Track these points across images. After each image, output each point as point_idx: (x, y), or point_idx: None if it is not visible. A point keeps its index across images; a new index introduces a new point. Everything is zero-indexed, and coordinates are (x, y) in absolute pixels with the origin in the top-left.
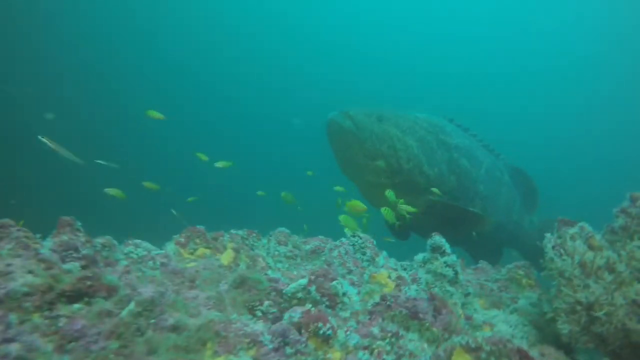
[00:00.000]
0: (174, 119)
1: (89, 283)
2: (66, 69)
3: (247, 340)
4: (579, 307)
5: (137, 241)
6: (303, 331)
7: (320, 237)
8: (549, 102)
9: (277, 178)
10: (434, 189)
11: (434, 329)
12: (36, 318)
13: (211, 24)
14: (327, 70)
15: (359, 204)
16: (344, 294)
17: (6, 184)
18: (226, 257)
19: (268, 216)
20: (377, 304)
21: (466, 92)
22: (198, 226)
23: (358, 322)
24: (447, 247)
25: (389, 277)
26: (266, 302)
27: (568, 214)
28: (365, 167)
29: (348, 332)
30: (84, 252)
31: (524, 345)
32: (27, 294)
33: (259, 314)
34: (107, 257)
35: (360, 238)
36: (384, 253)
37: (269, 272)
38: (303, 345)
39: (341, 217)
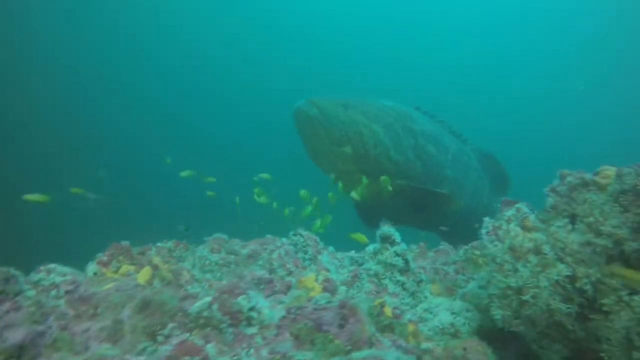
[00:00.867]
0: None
1: None
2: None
3: None
4: (509, 292)
5: (52, 266)
6: None
7: (268, 236)
8: (525, 90)
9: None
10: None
11: (337, 341)
12: None
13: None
14: (307, 63)
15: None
16: (252, 309)
17: None
18: (143, 275)
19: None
20: (284, 317)
21: (445, 86)
22: (122, 242)
23: (264, 338)
24: (396, 236)
25: (316, 280)
26: (170, 325)
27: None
28: (332, 153)
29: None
30: None
31: (460, 336)
32: None
33: (161, 339)
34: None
35: (302, 236)
36: (330, 249)
37: (189, 287)
38: None
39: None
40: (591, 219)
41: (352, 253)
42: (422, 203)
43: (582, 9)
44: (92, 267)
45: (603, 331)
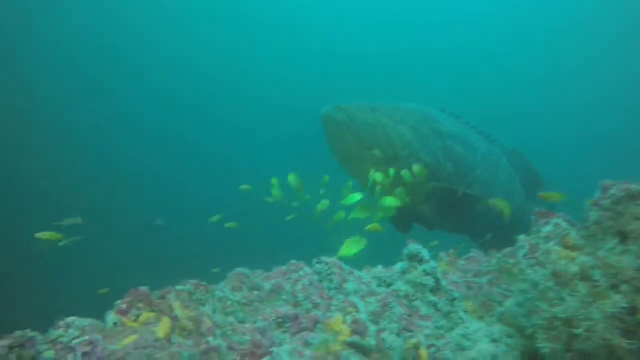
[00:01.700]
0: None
1: None
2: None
3: None
4: (557, 324)
5: (70, 320)
6: None
7: (292, 262)
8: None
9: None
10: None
11: None
12: None
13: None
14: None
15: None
16: None
17: None
18: (163, 328)
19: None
20: None
21: (454, 78)
22: (141, 288)
23: None
24: (424, 254)
25: (344, 322)
26: None
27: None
28: (361, 158)
29: None
30: None
31: None
32: None
33: None
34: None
35: (326, 264)
36: (358, 273)
37: (210, 338)
38: None
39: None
40: None
41: (379, 269)
42: (453, 206)
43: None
44: (111, 317)
45: None
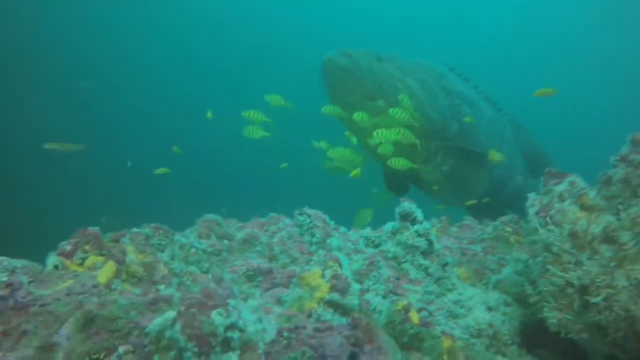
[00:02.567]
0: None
1: None
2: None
3: None
4: (570, 290)
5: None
6: None
7: (271, 215)
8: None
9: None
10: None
11: None
12: None
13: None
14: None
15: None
16: (231, 327)
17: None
18: (105, 273)
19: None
20: (273, 341)
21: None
22: (91, 228)
23: None
24: (418, 213)
25: (323, 276)
26: (121, 348)
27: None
28: (363, 108)
29: None
30: None
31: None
32: None
33: None
34: None
35: (309, 216)
36: (342, 229)
37: (162, 286)
38: None
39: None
40: None
41: (368, 231)
42: (457, 169)
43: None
44: (52, 259)
45: None
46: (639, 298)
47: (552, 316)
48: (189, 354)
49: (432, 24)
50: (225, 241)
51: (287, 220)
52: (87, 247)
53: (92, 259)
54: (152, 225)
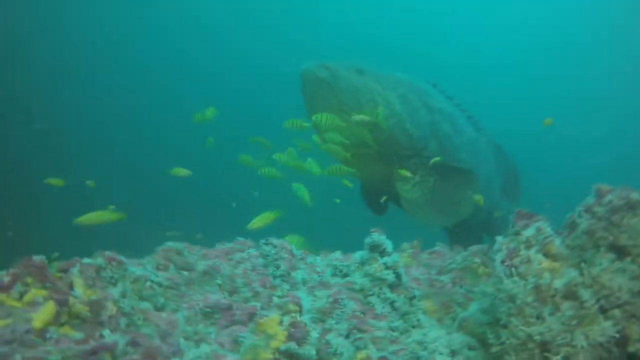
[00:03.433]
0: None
1: None
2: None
3: None
4: (531, 345)
5: None
6: None
7: (239, 240)
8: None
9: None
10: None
11: None
12: None
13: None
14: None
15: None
16: None
17: None
18: (42, 315)
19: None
20: None
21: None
22: (34, 257)
23: None
24: (387, 245)
25: (281, 322)
26: None
27: (542, 199)
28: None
29: None
30: None
31: None
32: None
33: None
34: None
35: (274, 247)
36: (310, 260)
37: (106, 331)
38: None
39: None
40: None
41: (337, 255)
42: (438, 187)
43: None
44: None
45: None
46: (597, 359)
47: None
48: None
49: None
50: (185, 273)
51: (252, 250)
52: (28, 280)
53: (32, 294)
54: (107, 254)
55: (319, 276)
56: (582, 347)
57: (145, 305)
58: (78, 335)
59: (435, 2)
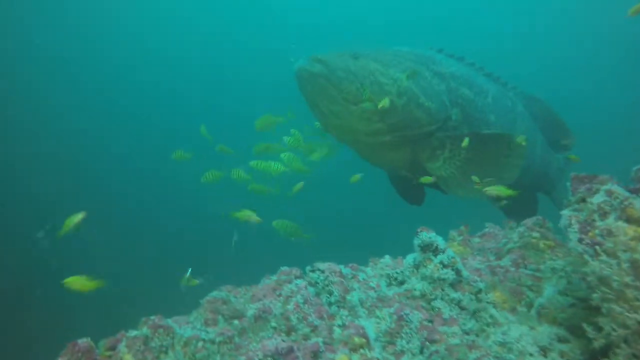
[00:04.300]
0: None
1: None
2: None
3: None
4: None
5: None
6: None
7: (283, 270)
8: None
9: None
10: None
11: None
12: None
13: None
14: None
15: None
16: None
17: None
18: None
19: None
20: None
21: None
22: (80, 341)
23: None
24: (439, 242)
25: None
26: None
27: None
28: (350, 114)
29: None
30: None
31: None
32: None
33: None
34: None
35: (322, 272)
36: (361, 276)
37: None
38: None
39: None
40: None
41: (387, 261)
42: (473, 159)
43: None
44: None
45: None
46: None
47: None
48: None
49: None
50: (236, 322)
51: (300, 282)
52: None
53: None
54: (151, 322)
55: (375, 292)
56: None
57: None
58: None
59: None
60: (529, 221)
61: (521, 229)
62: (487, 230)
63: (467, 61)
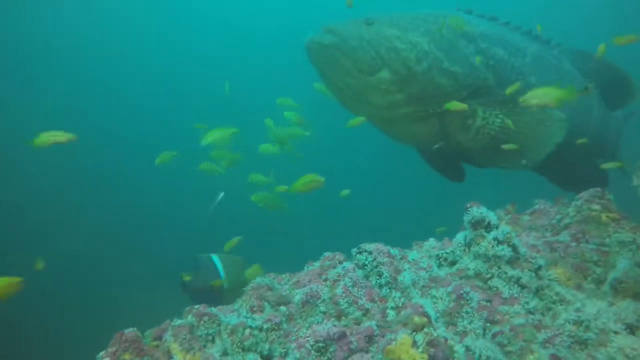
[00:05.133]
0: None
1: None
2: None
3: None
4: None
5: None
6: None
7: (326, 255)
8: None
9: None
10: None
11: None
12: None
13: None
14: None
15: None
16: None
17: None
18: None
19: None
20: None
21: None
22: (126, 331)
23: None
24: (492, 217)
25: (414, 343)
26: None
27: None
28: (366, 86)
29: None
30: None
31: None
32: None
33: None
34: None
35: (370, 253)
36: (412, 255)
37: None
38: None
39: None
40: None
41: (432, 244)
42: (513, 122)
43: None
44: None
45: None
46: None
47: None
48: None
49: None
50: (283, 308)
51: (347, 264)
52: (126, 356)
53: None
54: (195, 311)
55: (427, 272)
56: None
57: (251, 356)
58: None
59: None
60: (585, 194)
61: (578, 202)
62: (537, 207)
63: (501, 22)
